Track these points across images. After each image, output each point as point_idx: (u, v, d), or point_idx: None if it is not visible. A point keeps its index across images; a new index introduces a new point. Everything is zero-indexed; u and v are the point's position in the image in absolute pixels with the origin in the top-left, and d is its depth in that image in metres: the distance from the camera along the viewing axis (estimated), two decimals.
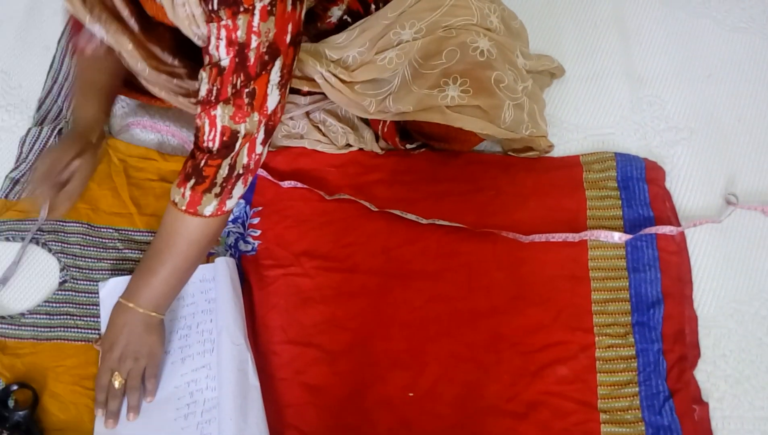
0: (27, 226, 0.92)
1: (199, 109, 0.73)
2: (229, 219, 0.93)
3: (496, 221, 0.94)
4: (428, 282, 0.90)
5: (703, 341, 0.88)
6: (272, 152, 0.98)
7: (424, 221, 0.93)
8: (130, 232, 0.92)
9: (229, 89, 0.71)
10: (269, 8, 0.68)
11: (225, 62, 0.70)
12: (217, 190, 0.74)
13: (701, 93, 1.06)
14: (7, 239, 0.91)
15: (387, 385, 0.84)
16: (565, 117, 1.05)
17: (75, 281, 0.89)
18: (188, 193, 0.75)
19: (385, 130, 0.95)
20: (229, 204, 0.77)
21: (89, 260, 0.90)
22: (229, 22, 0.68)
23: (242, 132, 0.73)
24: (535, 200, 0.96)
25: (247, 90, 0.71)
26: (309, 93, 0.95)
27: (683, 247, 0.93)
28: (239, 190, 0.77)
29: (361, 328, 0.87)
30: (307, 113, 0.97)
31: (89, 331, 0.85)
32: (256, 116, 0.72)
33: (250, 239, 0.93)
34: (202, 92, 0.72)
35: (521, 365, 0.86)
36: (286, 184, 0.96)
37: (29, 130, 1.00)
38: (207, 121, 0.72)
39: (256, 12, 0.67)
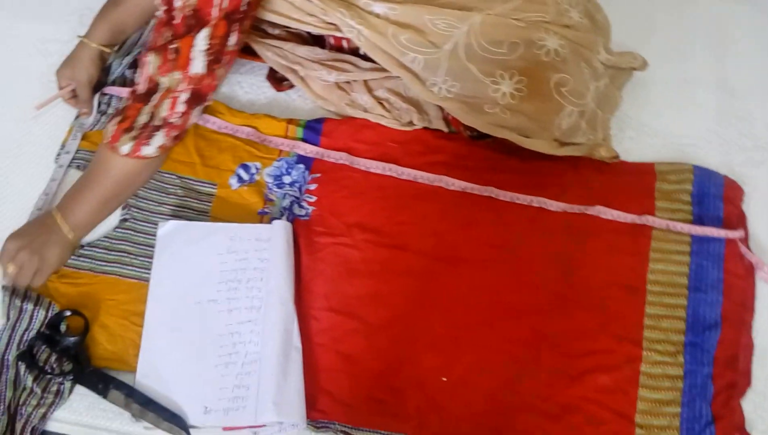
0: None
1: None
2: (287, 182, 0.95)
3: (555, 219, 0.92)
4: (476, 270, 0.89)
5: (756, 371, 0.84)
6: (336, 121, 0.98)
7: (479, 190, 0.92)
8: (191, 181, 0.94)
9: (160, 40, 0.76)
10: None
11: (159, 13, 0.75)
12: (134, 132, 0.79)
13: None
14: (78, 167, 0.95)
15: (421, 366, 0.84)
16: (646, 120, 1.00)
17: (135, 221, 0.91)
18: (113, 128, 0.80)
19: (450, 115, 0.93)
20: (146, 150, 0.81)
21: (151, 203, 0.93)
22: None
23: (163, 85, 0.77)
24: (601, 203, 0.93)
25: (172, 46, 0.75)
26: (366, 57, 0.94)
27: (751, 272, 0.89)
28: (159, 140, 0.80)
29: (402, 306, 0.87)
30: (370, 90, 0.96)
31: (143, 270, 0.88)
32: (178, 74, 0.76)
33: (305, 204, 0.93)
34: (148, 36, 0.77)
35: (561, 367, 0.84)
36: (373, 168, 0.94)
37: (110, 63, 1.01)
38: (141, 65, 0.78)
39: None
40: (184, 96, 0.78)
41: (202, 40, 0.75)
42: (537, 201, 0.92)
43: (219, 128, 0.97)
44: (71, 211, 0.85)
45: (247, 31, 0.81)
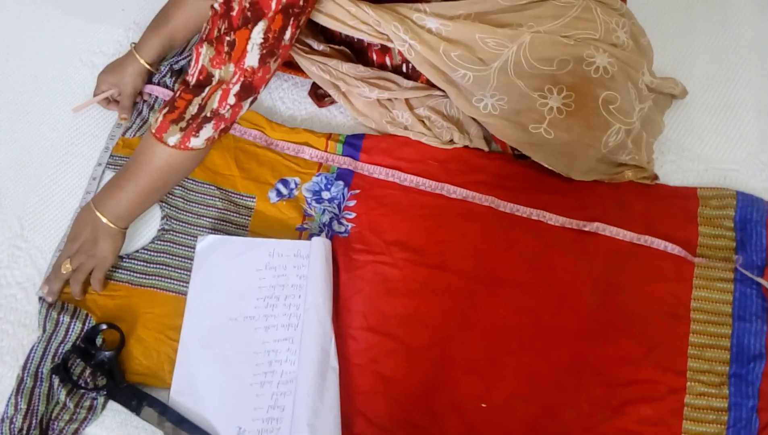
0: None
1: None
2: (326, 198, 0.94)
3: (597, 242, 0.90)
4: (517, 293, 0.87)
5: None
6: (376, 138, 0.97)
7: (525, 212, 0.92)
8: (230, 193, 0.94)
9: (215, 32, 0.75)
10: None
11: (216, 5, 0.74)
12: (183, 124, 0.78)
13: None
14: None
15: (460, 391, 0.83)
16: (687, 144, 0.99)
17: (174, 233, 0.91)
18: (160, 118, 0.79)
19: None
20: (194, 142, 0.80)
21: (190, 215, 0.92)
22: None
23: (216, 77, 0.76)
24: (642, 227, 0.91)
25: (228, 38, 0.74)
26: (409, 75, 0.94)
27: None
28: (208, 132, 0.79)
29: (441, 327, 0.86)
30: (411, 108, 0.95)
31: (181, 283, 0.87)
32: (231, 67, 0.75)
33: (344, 221, 0.92)
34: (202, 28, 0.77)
35: (603, 396, 0.82)
36: (399, 178, 0.94)
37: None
38: (194, 56, 0.77)
39: None
40: (235, 88, 0.77)
41: (258, 33, 0.74)
42: (536, 214, 0.92)
43: (254, 139, 0.97)
44: (110, 203, 0.84)
45: (303, 27, 0.80)
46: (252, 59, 0.75)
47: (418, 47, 0.82)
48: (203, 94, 0.77)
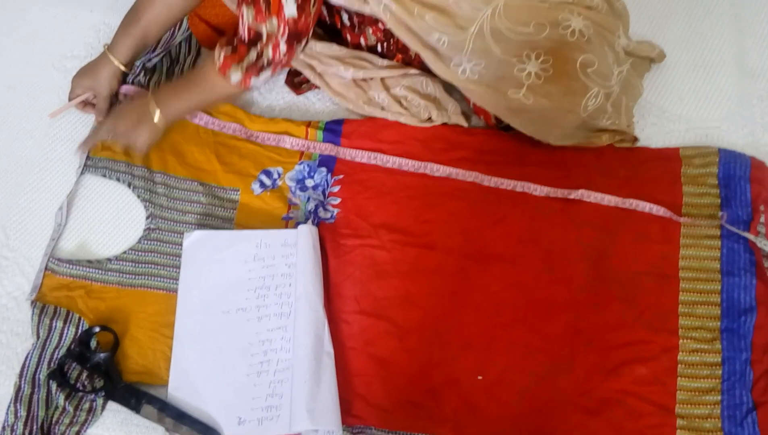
0: (119, 166, 0.95)
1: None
2: (310, 185, 0.94)
3: (583, 209, 0.91)
4: (507, 267, 0.88)
5: None
6: (356, 122, 0.97)
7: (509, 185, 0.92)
8: (214, 188, 0.94)
9: None
10: None
11: None
12: (244, 66, 0.83)
13: None
14: (104, 175, 0.95)
15: (455, 367, 0.83)
16: (668, 106, 0.99)
17: (160, 232, 0.91)
18: (222, 56, 0.83)
19: (475, 104, 0.92)
20: (254, 82, 0.85)
21: (175, 213, 0.92)
22: None
23: (264, 32, 0.79)
24: (628, 192, 0.91)
25: None
26: (384, 54, 0.94)
27: None
28: (267, 75, 0.84)
29: (434, 306, 0.86)
30: (388, 88, 0.95)
31: (171, 280, 0.88)
32: (274, 20, 0.78)
33: (329, 207, 0.92)
34: None
35: (597, 361, 0.83)
36: (381, 160, 0.94)
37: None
38: (240, 17, 0.81)
39: None
40: (284, 38, 0.80)
41: None
42: (521, 186, 0.92)
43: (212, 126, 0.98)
44: (164, 104, 0.90)
45: None
46: (290, 8, 0.77)
47: (393, 6, 0.82)
48: (257, 47, 0.81)
